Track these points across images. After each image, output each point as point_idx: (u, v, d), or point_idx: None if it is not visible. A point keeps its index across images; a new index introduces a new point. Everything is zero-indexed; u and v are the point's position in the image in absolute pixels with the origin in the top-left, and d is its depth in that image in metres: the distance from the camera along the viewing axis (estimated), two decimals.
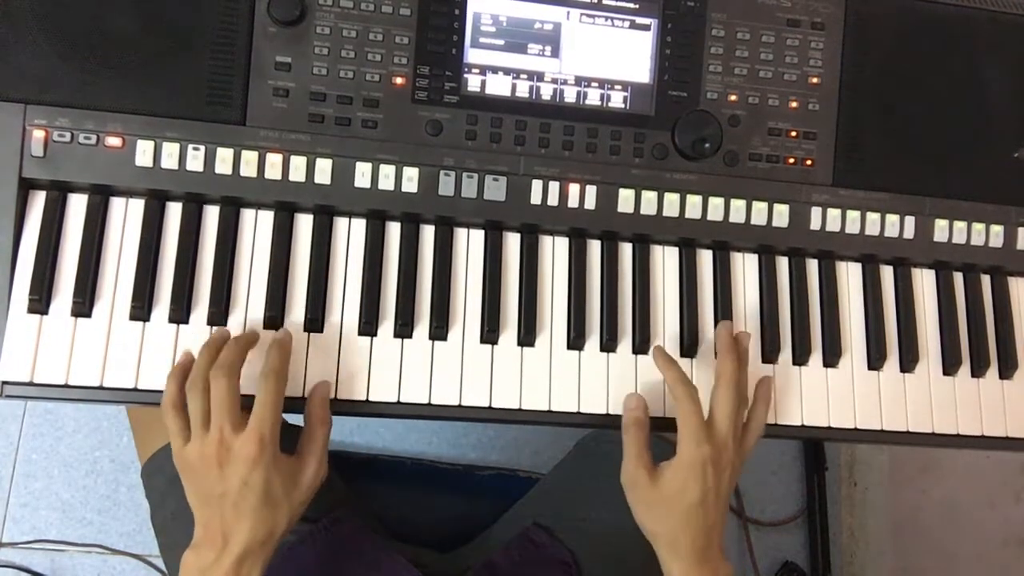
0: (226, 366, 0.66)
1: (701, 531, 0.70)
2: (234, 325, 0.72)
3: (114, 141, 0.71)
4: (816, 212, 0.80)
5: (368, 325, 0.74)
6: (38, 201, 0.72)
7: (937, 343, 0.83)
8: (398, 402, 0.73)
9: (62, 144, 0.71)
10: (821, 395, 0.79)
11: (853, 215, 0.81)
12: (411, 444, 1.52)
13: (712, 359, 0.78)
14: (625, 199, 0.77)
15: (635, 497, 0.73)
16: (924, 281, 0.84)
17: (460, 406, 0.74)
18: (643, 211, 0.78)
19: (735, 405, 0.72)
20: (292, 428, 0.71)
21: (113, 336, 0.71)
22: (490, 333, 0.75)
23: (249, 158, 0.73)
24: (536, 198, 0.77)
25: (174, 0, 0.72)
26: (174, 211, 0.74)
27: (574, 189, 0.77)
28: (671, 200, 0.78)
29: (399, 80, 0.75)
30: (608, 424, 0.76)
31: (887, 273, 0.84)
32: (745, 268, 0.81)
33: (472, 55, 0.76)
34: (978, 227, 0.83)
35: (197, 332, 0.72)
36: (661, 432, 0.87)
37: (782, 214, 0.80)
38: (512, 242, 0.78)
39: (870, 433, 0.80)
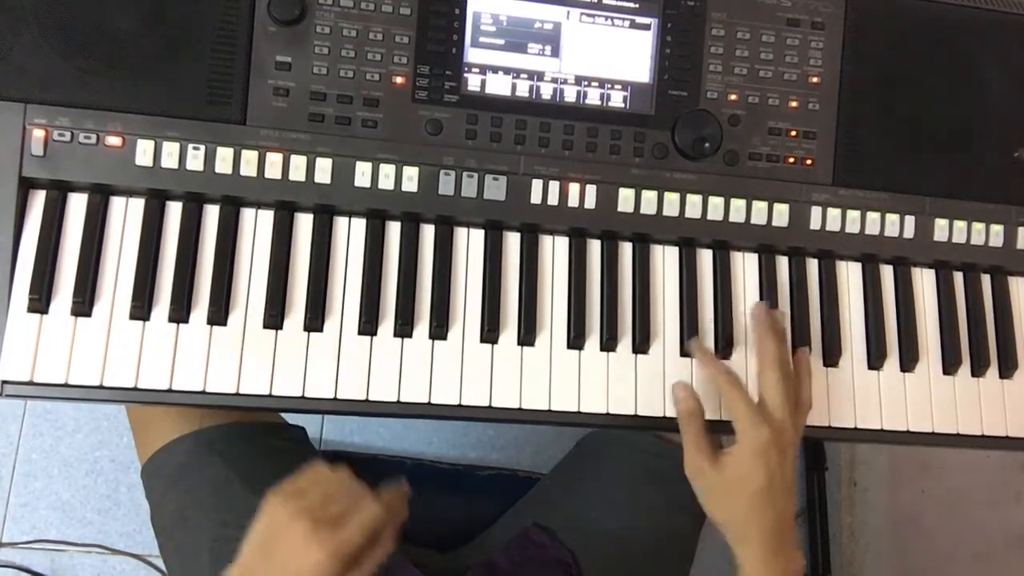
0: (371, 529, 0.63)
1: (771, 519, 0.68)
2: (234, 324, 0.72)
3: (114, 140, 0.71)
4: (816, 212, 0.80)
5: (368, 325, 0.74)
6: (38, 200, 0.72)
7: (937, 343, 0.83)
8: (398, 402, 0.73)
9: (62, 143, 0.71)
10: (821, 395, 0.79)
11: (853, 215, 0.81)
12: (411, 444, 1.52)
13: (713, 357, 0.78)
14: (625, 199, 0.77)
15: (701, 486, 0.71)
16: (924, 281, 0.84)
17: (460, 406, 0.74)
18: (643, 211, 0.78)
19: (784, 384, 0.71)
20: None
21: (113, 336, 0.71)
22: (490, 333, 0.75)
23: (249, 157, 0.73)
24: (536, 197, 0.77)
25: (174, 0, 0.72)
26: (174, 210, 0.74)
27: (574, 189, 0.77)
28: (671, 200, 0.78)
29: (399, 80, 0.75)
30: (608, 424, 0.76)
31: (887, 273, 0.84)
32: (745, 268, 0.81)
33: (472, 55, 0.76)
34: (978, 227, 0.83)
35: (197, 332, 0.72)
36: (660, 432, 0.88)
37: (782, 214, 0.80)
38: (512, 241, 0.78)
39: (870, 433, 0.80)
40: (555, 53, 0.77)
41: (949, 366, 0.82)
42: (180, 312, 0.71)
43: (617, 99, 0.78)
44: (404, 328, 0.74)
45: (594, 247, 0.79)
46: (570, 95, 0.77)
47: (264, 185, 0.73)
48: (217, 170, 0.72)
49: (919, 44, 0.82)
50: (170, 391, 0.70)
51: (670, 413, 0.76)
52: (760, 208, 0.79)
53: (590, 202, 0.77)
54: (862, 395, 0.80)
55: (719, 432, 0.74)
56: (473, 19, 0.76)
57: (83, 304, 0.70)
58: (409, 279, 0.75)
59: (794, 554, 0.70)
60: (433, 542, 0.93)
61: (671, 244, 0.80)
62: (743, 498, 0.69)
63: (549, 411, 0.75)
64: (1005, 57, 0.83)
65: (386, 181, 0.74)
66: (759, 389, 0.72)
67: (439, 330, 0.75)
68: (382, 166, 0.74)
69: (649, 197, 0.78)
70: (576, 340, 0.76)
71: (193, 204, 0.74)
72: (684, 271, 0.80)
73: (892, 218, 0.81)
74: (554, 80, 0.77)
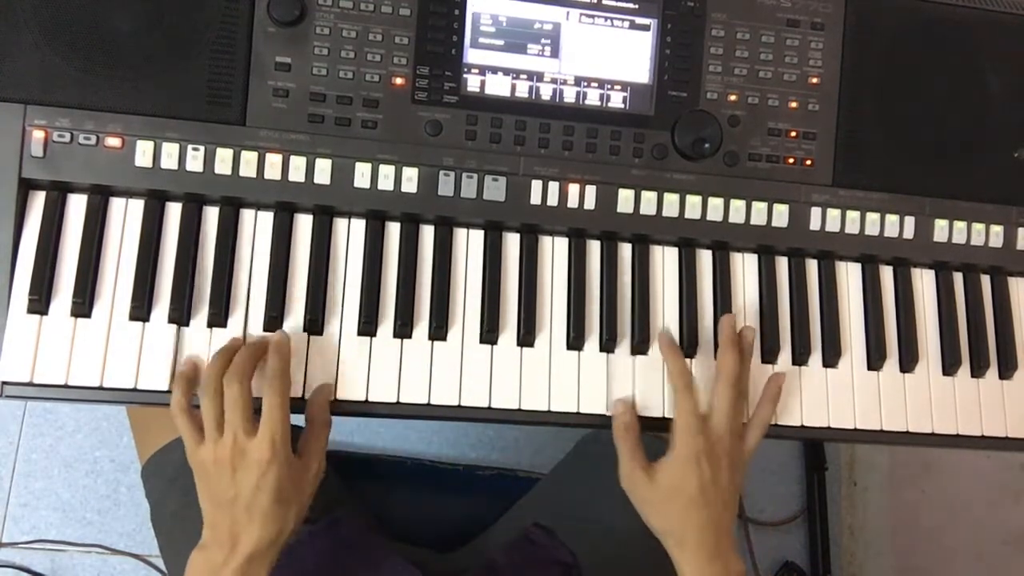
0: (239, 372, 0.67)
1: (707, 525, 0.70)
2: (234, 325, 0.72)
3: (114, 141, 0.71)
4: (816, 212, 0.80)
5: (368, 325, 0.74)
6: (38, 201, 0.72)
7: (937, 343, 0.83)
8: (398, 402, 0.73)
9: (62, 144, 0.71)
10: (821, 395, 0.79)
11: (853, 215, 0.81)
12: (411, 444, 1.52)
13: (713, 359, 0.78)
14: (625, 199, 0.77)
15: (637, 497, 0.73)
16: (924, 281, 0.84)
17: (460, 406, 0.74)
18: (643, 211, 0.78)
19: (732, 400, 0.72)
20: (294, 428, 0.72)
21: (113, 336, 0.71)
22: (490, 333, 0.75)
23: (249, 158, 0.73)
24: (536, 198, 0.77)
25: (174, 0, 0.72)
26: (174, 211, 0.74)
27: (574, 189, 0.77)
28: (671, 200, 0.78)
29: (399, 80, 0.75)
30: (608, 424, 0.76)
31: (887, 273, 0.84)
32: (745, 268, 0.81)
33: (472, 55, 0.76)
34: (978, 227, 0.83)
35: (197, 332, 0.72)
36: (660, 432, 0.87)
37: (782, 214, 0.80)
38: (512, 242, 0.78)
39: (870, 433, 0.80)
40: (555, 54, 0.77)
41: (949, 367, 0.82)
42: (180, 313, 0.71)
43: (617, 100, 0.78)
44: (404, 329, 0.74)
45: (594, 248, 0.79)
46: (570, 96, 0.77)
47: (264, 186, 0.73)
48: (217, 171, 0.72)
49: (919, 44, 0.82)
50: (170, 392, 0.70)
51: (669, 414, 0.76)
52: (760, 209, 0.79)
53: (590, 203, 0.77)
54: (862, 396, 0.80)
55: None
56: (473, 20, 0.76)
57: (83, 305, 0.70)
58: (409, 280, 0.75)
59: (732, 558, 0.71)
60: (433, 542, 0.93)
61: (671, 245, 0.80)
62: (676, 506, 0.71)
63: (549, 412, 0.75)
64: (1005, 57, 0.83)
65: (386, 182, 0.74)
66: (709, 400, 0.73)
67: (439, 331, 0.75)
68: (382, 167, 0.74)
69: (649, 198, 0.78)
70: (576, 341, 0.76)
71: (193, 205, 0.74)
72: (684, 272, 0.80)
73: (892, 219, 0.81)
74: (554, 81, 0.77)
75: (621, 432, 0.74)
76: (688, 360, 0.78)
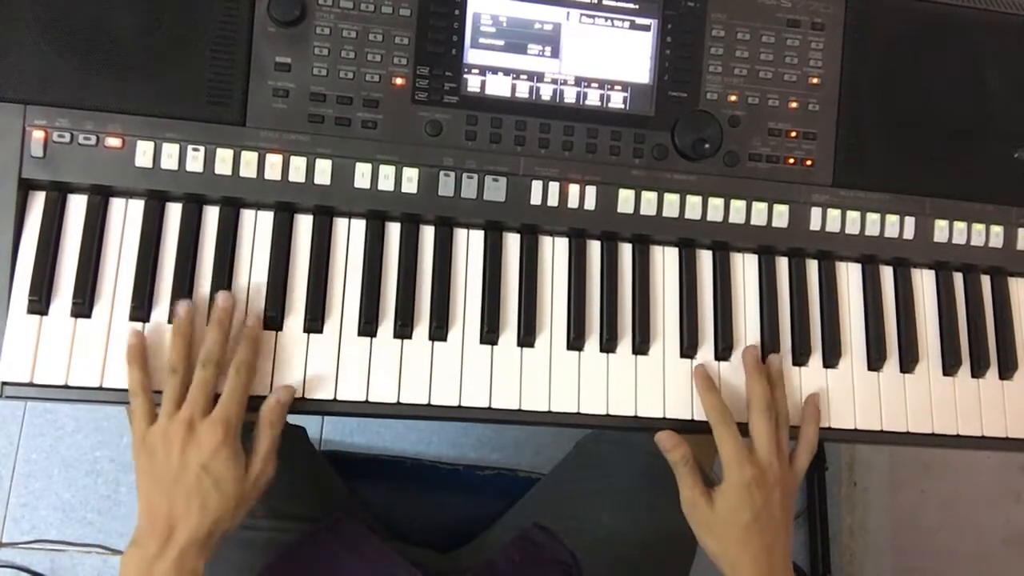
0: (215, 356, 0.68)
1: (761, 552, 0.72)
2: (233, 325, 0.72)
3: (114, 142, 0.71)
4: (816, 212, 0.80)
5: (368, 325, 0.74)
6: (38, 202, 0.72)
7: (937, 343, 0.83)
8: (398, 402, 0.73)
9: (62, 144, 0.71)
10: (821, 396, 0.79)
11: (853, 215, 0.81)
12: (411, 444, 1.52)
13: (712, 361, 0.78)
14: (625, 199, 0.77)
15: (695, 521, 0.75)
16: (924, 281, 0.84)
17: (460, 406, 0.74)
18: (643, 211, 0.78)
19: (770, 426, 0.73)
20: (249, 425, 0.72)
21: (113, 336, 0.71)
22: (490, 333, 0.75)
23: (249, 159, 0.73)
24: (536, 198, 0.77)
25: (174, 0, 0.72)
26: (174, 212, 0.74)
27: (574, 189, 0.77)
28: (671, 200, 0.78)
29: (399, 80, 0.75)
30: (608, 425, 0.76)
31: (887, 273, 0.84)
32: (745, 268, 0.81)
33: (472, 55, 0.76)
34: (978, 227, 0.83)
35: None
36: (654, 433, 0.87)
37: (782, 214, 0.80)
38: (512, 242, 0.78)
39: (870, 433, 0.80)
40: (555, 54, 0.77)
41: (949, 367, 0.82)
42: None
43: (617, 100, 0.78)
44: (404, 329, 0.74)
45: (594, 248, 0.79)
46: (570, 96, 0.77)
47: (264, 186, 0.73)
48: (217, 171, 0.72)
49: (919, 44, 0.82)
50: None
51: (670, 414, 0.76)
52: (760, 209, 0.79)
53: (590, 203, 0.77)
54: (862, 396, 0.80)
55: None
56: (473, 20, 0.76)
57: (83, 305, 0.70)
58: (409, 280, 0.75)
59: None
60: (433, 542, 0.93)
61: (671, 245, 0.80)
62: (732, 531, 0.72)
63: (549, 412, 0.75)
64: (1005, 57, 0.83)
65: (386, 182, 0.74)
66: (749, 430, 0.74)
67: (439, 331, 0.75)
68: (382, 167, 0.74)
69: (649, 198, 0.78)
70: (576, 341, 0.76)
71: (193, 205, 0.74)
72: (684, 272, 0.80)
73: (892, 219, 0.81)
74: (554, 81, 0.77)
75: (679, 465, 0.74)
76: (688, 360, 0.78)
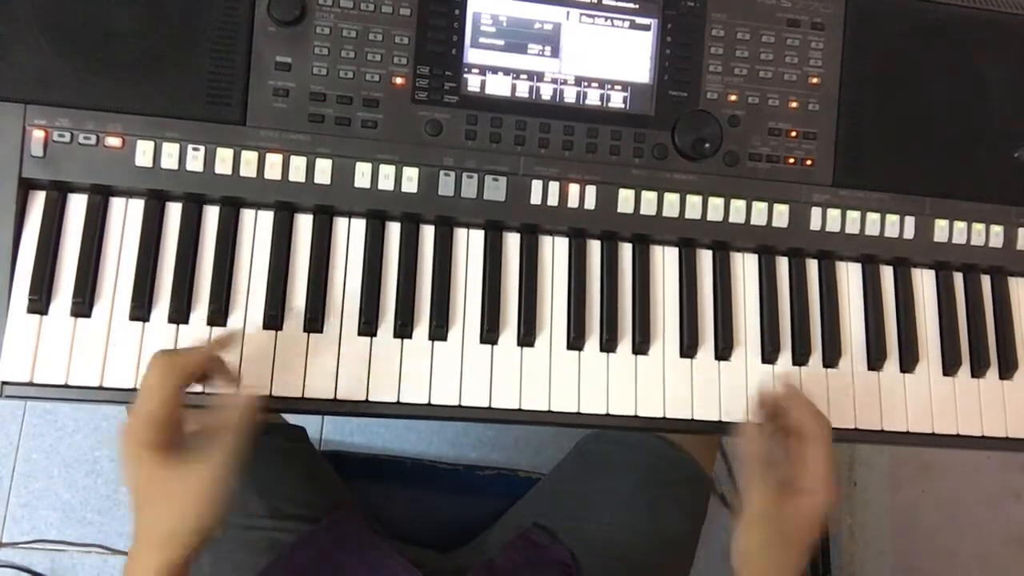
0: (178, 366, 0.63)
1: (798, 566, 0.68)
2: (234, 325, 0.72)
3: (114, 141, 0.71)
4: (816, 212, 0.80)
5: (368, 325, 0.74)
6: (38, 201, 0.72)
7: (937, 343, 0.83)
8: (398, 402, 0.73)
9: (62, 144, 0.71)
10: (821, 395, 0.79)
11: (853, 215, 0.81)
12: (411, 444, 1.52)
13: (712, 360, 0.78)
14: (625, 199, 0.77)
15: (762, 521, 0.69)
16: (924, 281, 0.84)
17: (460, 406, 0.74)
18: (643, 211, 0.78)
19: (827, 461, 0.68)
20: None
21: (113, 336, 0.71)
22: (490, 333, 0.75)
23: (249, 158, 0.73)
24: (536, 198, 0.77)
25: (174, 0, 0.72)
26: (174, 211, 0.74)
27: (574, 189, 0.77)
28: (671, 200, 0.78)
29: (399, 80, 0.75)
30: (608, 424, 0.76)
31: (887, 273, 0.84)
32: (745, 268, 0.81)
33: (472, 55, 0.76)
34: (978, 227, 0.83)
35: (197, 332, 0.72)
36: (660, 433, 0.87)
37: (782, 214, 0.80)
38: (512, 242, 0.78)
39: (870, 433, 0.80)
40: (555, 54, 0.77)
41: (949, 367, 0.82)
42: (180, 313, 0.71)
43: (617, 100, 0.78)
44: (404, 329, 0.74)
45: (594, 248, 0.79)
46: (570, 96, 0.77)
47: (264, 186, 0.73)
48: (217, 171, 0.72)
49: (919, 44, 0.82)
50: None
51: (670, 414, 0.76)
52: (760, 209, 0.79)
53: (590, 203, 0.77)
54: (862, 396, 0.80)
55: (722, 433, 0.75)
56: (473, 20, 0.76)
57: (83, 305, 0.70)
58: (409, 280, 0.75)
59: None
60: (433, 542, 0.93)
61: (671, 245, 0.80)
62: (791, 545, 0.67)
63: (549, 412, 0.75)
64: (1005, 57, 0.83)
65: (386, 182, 0.74)
66: (806, 463, 0.69)
67: (439, 331, 0.75)
68: (382, 167, 0.74)
69: (649, 198, 0.78)
70: (576, 341, 0.76)
71: (193, 205, 0.74)
72: (684, 272, 0.80)
73: (892, 219, 0.81)
74: (554, 81, 0.77)
75: (751, 462, 0.70)
76: (688, 360, 0.78)
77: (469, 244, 0.77)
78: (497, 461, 1.53)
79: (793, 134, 0.80)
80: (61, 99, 0.70)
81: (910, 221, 0.82)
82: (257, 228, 0.75)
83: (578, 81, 0.77)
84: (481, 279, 0.77)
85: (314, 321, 0.73)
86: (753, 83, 0.79)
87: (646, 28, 0.78)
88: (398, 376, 0.74)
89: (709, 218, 0.79)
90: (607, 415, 0.76)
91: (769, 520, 0.68)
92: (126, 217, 0.73)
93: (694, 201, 0.78)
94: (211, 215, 0.74)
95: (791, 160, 0.80)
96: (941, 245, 0.82)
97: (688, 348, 0.78)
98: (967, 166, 0.83)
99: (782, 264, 0.82)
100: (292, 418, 0.92)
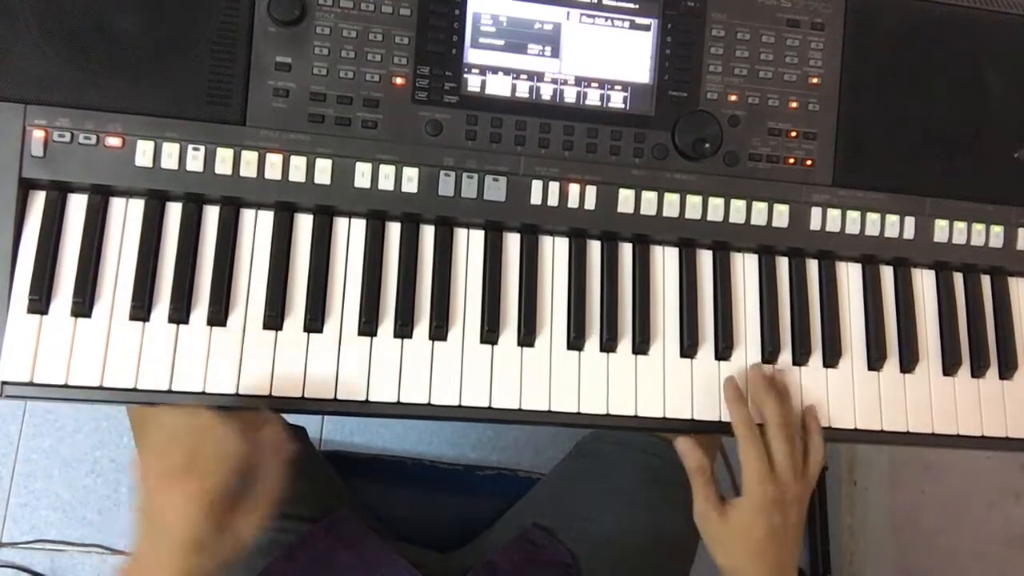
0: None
1: (774, 567, 0.72)
2: (234, 325, 0.72)
3: (114, 141, 0.71)
4: (816, 212, 0.80)
5: (368, 325, 0.74)
6: (38, 201, 0.72)
7: (937, 343, 0.83)
8: (398, 402, 0.73)
9: (62, 144, 0.71)
10: (821, 395, 0.79)
11: (853, 215, 0.81)
12: (411, 444, 1.52)
13: (712, 361, 0.78)
14: (625, 199, 0.77)
15: (707, 533, 0.75)
16: (924, 281, 0.84)
17: (460, 406, 0.74)
18: (643, 211, 0.78)
19: (789, 444, 0.73)
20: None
21: (113, 336, 0.71)
22: (490, 333, 0.75)
23: (249, 158, 0.73)
24: (536, 198, 0.77)
25: (174, 0, 0.72)
26: (174, 211, 0.74)
27: (574, 189, 0.77)
28: (671, 200, 0.78)
29: (399, 80, 0.75)
30: (608, 424, 0.76)
31: (887, 273, 0.84)
32: (745, 268, 0.81)
33: (472, 55, 0.76)
34: (978, 227, 0.83)
35: (197, 332, 0.72)
36: (660, 432, 0.88)
37: (782, 214, 0.80)
38: (512, 242, 0.78)
39: (870, 433, 0.80)
40: (555, 54, 0.77)
41: (949, 367, 0.82)
42: (180, 313, 0.71)
43: (617, 100, 0.78)
44: (404, 329, 0.74)
45: (594, 248, 0.79)
46: (570, 96, 0.77)
47: (264, 186, 0.73)
48: (217, 171, 0.72)
49: (919, 44, 0.82)
50: (170, 392, 0.70)
51: (670, 414, 0.76)
52: (760, 209, 0.79)
53: (590, 203, 0.77)
54: (862, 396, 0.80)
55: (723, 433, 0.76)
56: (473, 20, 0.76)
57: (83, 305, 0.70)
58: (409, 280, 0.75)
59: None
60: (433, 542, 0.93)
61: (671, 245, 0.80)
62: (744, 546, 0.72)
63: (549, 412, 0.75)
64: (1005, 57, 0.83)
65: (386, 182, 0.74)
66: (766, 448, 0.74)
67: (439, 331, 0.75)
68: (382, 167, 0.74)
69: (649, 198, 0.78)
70: (576, 341, 0.76)
71: (193, 205, 0.74)
72: (684, 272, 0.80)
73: (892, 219, 0.81)
74: (554, 81, 0.77)
75: (695, 473, 0.75)
76: (688, 360, 0.78)
77: (469, 244, 0.77)
78: (497, 461, 1.53)
79: (793, 134, 0.80)
80: (61, 99, 0.70)
81: (910, 221, 0.82)
82: (257, 228, 0.75)
83: (578, 81, 0.77)
84: (481, 279, 0.77)
85: (314, 321, 0.73)
86: (753, 83, 0.79)
87: (646, 28, 0.78)
88: (398, 376, 0.74)
89: (709, 218, 0.79)
90: (607, 415, 0.76)
91: (729, 533, 0.73)
92: (126, 217, 0.73)
93: (694, 201, 0.78)
94: (211, 215, 0.74)
95: (791, 160, 0.80)
96: (941, 245, 0.82)
97: (688, 348, 0.78)
98: (967, 166, 0.83)
99: (782, 264, 0.82)
100: (292, 418, 0.92)
